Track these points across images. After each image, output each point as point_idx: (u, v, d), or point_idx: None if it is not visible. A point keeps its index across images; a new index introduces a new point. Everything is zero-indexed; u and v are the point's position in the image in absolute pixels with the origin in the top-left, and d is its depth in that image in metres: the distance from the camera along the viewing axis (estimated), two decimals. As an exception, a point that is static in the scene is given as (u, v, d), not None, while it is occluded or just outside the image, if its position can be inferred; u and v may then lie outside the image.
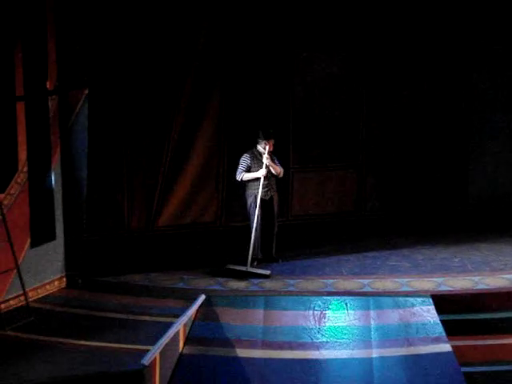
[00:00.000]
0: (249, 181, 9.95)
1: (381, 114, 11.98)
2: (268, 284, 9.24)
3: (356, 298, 8.65)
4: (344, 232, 10.80)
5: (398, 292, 8.85)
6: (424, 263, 9.97)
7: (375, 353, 7.49)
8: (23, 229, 8.68)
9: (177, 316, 7.95)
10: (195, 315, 8.26)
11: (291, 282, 9.31)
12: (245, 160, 9.96)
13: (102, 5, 9.89)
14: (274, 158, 10.10)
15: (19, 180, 8.66)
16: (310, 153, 11.36)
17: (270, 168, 9.90)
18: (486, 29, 11.98)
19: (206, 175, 11.15)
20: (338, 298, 8.68)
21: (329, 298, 8.68)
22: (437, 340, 7.67)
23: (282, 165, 10.28)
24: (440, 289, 8.93)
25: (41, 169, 8.90)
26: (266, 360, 7.47)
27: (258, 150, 10.00)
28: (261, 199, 9.86)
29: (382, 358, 7.38)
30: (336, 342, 7.77)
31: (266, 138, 9.93)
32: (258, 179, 9.89)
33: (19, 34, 8.55)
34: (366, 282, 9.24)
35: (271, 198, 10.07)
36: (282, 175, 10.09)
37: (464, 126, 12.18)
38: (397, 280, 9.26)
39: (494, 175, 12.34)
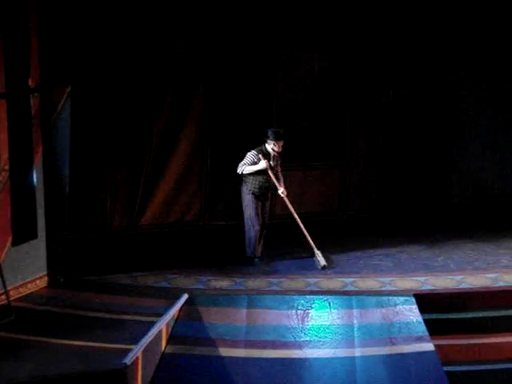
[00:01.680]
0: (249, 177, 9.90)
1: (365, 112, 12.01)
2: (251, 283, 9.23)
3: (339, 297, 8.66)
4: (327, 231, 10.80)
5: (381, 291, 8.86)
6: (407, 262, 10.00)
7: (358, 352, 7.50)
8: (4, 227, 8.62)
9: (159, 315, 7.94)
10: (178, 314, 8.24)
11: (274, 281, 9.30)
12: (251, 156, 9.89)
13: (84, 3, 9.85)
14: (279, 160, 10.10)
15: (0, 178, 8.59)
16: (294, 152, 11.34)
17: (273, 180, 9.92)
18: (470, 31, 12.04)
19: (188, 174, 11.13)
20: (321, 297, 8.68)
21: (312, 297, 8.68)
22: (419, 339, 7.69)
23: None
24: (423, 288, 8.95)
25: (23, 167, 8.85)
26: (248, 359, 7.47)
27: (266, 149, 9.97)
28: (258, 197, 9.88)
29: (364, 357, 7.39)
30: (319, 341, 7.77)
31: (276, 139, 9.90)
32: (257, 176, 9.87)
33: (1, 31, 8.48)
34: (349, 281, 9.25)
35: (266, 198, 10.08)
36: (282, 192, 10.02)
37: (448, 125, 12.23)
38: (380, 279, 9.27)
39: (476, 175, 12.40)
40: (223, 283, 9.25)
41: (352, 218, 11.44)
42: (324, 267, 9.69)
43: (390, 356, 7.44)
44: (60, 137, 9.24)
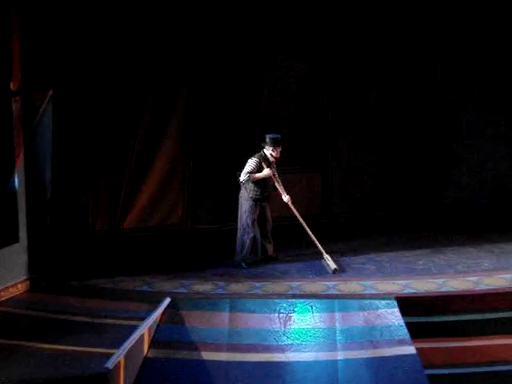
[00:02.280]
0: (250, 183, 9.89)
1: (348, 115, 12.05)
2: (233, 287, 9.23)
3: (321, 300, 8.66)
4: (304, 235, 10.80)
5: (363, 294, 8.87)
6: (389, 266, 10.02)
7: (340, 355, 7.51)
8: (-14, 231, 8.61)
9: (142, 319, 7.91)
10: (160, 318, 8.21)
11: (257, 284, 9.30)
12: (253, 163, 9.90)
13: (66, 6, 9.82)
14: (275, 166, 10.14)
15: (-18, 182, 8.57)
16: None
17: (277, 185, 9.96)
18: (454, 28, 12.12)
19: (171, 178, 11.12)
20: (304, 300, 8.67)
21: (294, 300, 8.67)
22: (401, 342, 7.70)
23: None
24: (404, 291, 8.97)
25: (4, 171, 8.81)
26: (231, 363, 7.46)
27: (265, 155, 9.98)
28: (258, 204, 9.93)
29: (346, 361, 7.40)
30: (301, 344, 7.78)
31: (275, 145, 9.90)
32: (259, 184, 9.88)
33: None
34: (331, 284, 9.26)
35: (266, 203, 10.11)
36: (287, 200, 10.06)
37: (430, 126, 12.31)
38: (362, 282, 9.29)
39: (459, 179, 12.48)
40: (206, 287, 9.24)
41: (334, 222, 11.47)
42: (335, 271, 9.70)
43: (371, 359, 7.45)
44: (42, 140, 9.22)
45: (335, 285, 9.23)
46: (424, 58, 12.17)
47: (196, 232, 11.38)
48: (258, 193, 9.91)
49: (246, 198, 9.96)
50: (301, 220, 10.01)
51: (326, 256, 9.94)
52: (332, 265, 9.78)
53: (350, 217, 11.93)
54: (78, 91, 10.30)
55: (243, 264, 10.03)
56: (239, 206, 10.07)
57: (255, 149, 11.25)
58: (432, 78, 12.29)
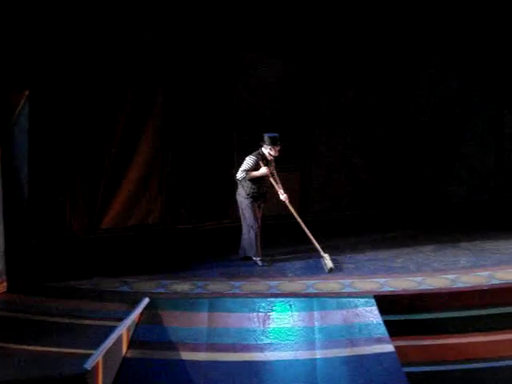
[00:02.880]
0: (247, 181, 9.86)
1: (325, 115, 12.09)
2: (212, 286, 9.21)
3: (300, 299, 8.67)
4: (288, 234, 10.81)
5: (342, 293, 8.89)
6: (367, 264, 10.05)
7: (319, 354, 7.52)
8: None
9: (120, 319, 7.87)
10: (139, 318, 8.19)
11: (236, 284, 9.29)
12: (250, 161, 9.86)
13: (41, 5, 9.77)
14: (274, 164, 10.11)
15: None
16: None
17: (274, 184, 9.94)
18: (430, 28, 12.21)
19: (149, 178, 11.11)
20: (282, 299, 8.68)
21: (273, 299, 8.68)
22: (379, 340, 7.72)
23: (226, 167, 10.30)
24: (383, 289, 9.00)
25: (-20, 171, 8.76)
26: (210, 363, 7.45)
27: (263, 154, 9.94)
28: (256, 202, 9.89)
29: (325, 359, 7.41)
30: (280, 343, 7.78)
31: (273, 144, 9.88)
32: (256, 182, 9.86)
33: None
34: (309, 283, 9.27)
35: (263, 201, 10.09)
36: (284, 198, 10.05)
37: (406, 126, 12.40)
38: (340, 281, 9.31)
39: (432, 177, 12.59)
40: (184, 287, 9.21)
41: (313, 221, 11.47)
42: (331, 270, 9.70)
43: (350, 357, 7.46)
44: (18, 141, 9.14)
45: (314, 284, 9.24)
46: (401, 58, 12.24)
47: (175, 232, 11.37)
48: (255, 190, 9.88)
49: (243, 195, 9.94)
50: (298, 219, 10.00)
51: (323, 255, 9.93)
52: (329, 263, 9.78)
53: (328, 215, 11.98)
54: (55, 91, 10.26)
55: (258, 260, 10.02)
56: (238, 204, 10.04)
57: (233, 147, 11.31)
58: (410, 82, 12.38)
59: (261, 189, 9.94)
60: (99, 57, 10.49)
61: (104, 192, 10.75)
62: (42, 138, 10.05)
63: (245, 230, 10.04)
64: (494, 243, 10.89)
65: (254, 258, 10.02)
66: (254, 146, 10.37)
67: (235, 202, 10.18)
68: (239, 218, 10.15)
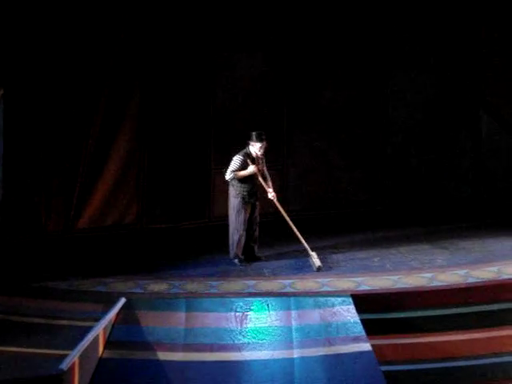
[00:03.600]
0: (237, 181, 9.81)
1: (302, 114, 12.11)
2: (189, 286, 9.18)
3: (277, 298, 8.67)
4: (265, 233, 10.80)
5: (319, 292, 8.90)
6: (344, 263, 10.06)
7: (296, 353, 7.52)
8: None
9: (96, 320, 7.83)
10: (115, 318, 8.14)
11: (213, 283, 9.27)
12: (238, 161, 9.79)
13: (17, 5, 9.71)
14: (264, 161, 10.06)
15: None
16: (232, 153, 11.33)
17: (261, 182, 9.89)
18: (406, 29, 12.27)
19: (125, 177, 11.07)
20: (260, 299, 8.68)
21: (250, 299, 8.67)
22: (357, 339, 7.74)
23: (203, 166, 10.26)
24: (360, 288, 9.02)
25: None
26: (186, 363, 7.43)
27: (250, 152, 9.88)
28: (247, 202, 9.83)
29: (302, 358, 7.41)
30: (257, 343, 7.77)
31: (259, 141, 9.82)
32: (246, 181, 9.81)
33: None
34: (287, 282, 9.27)
35: (255, 202, 10.01)
36: (272, 196, 10.00)
37: (380, 126, 12.48)
38: (318, 280, 9.32)
39: (410, 176, 12.65)
40: (161, 287, 9.17)
41: (291, 220, 11.51)
42: (319, 268, 9.69)
43: (327, 356, 7.47)
44: (-7, 140, 9.10)
45: (291, 283, 9.24)
46: (378, 57, 12.31)
47: (151, 231, 11.33)
48: (245, 190, 9.83)
49: (233, 195, 9.88)
50: (286, 217, 9.98)
51: (311, 253, 9.93)
52: (316, 262, 9.77)
53: (305, 215, 11.98)
54: (31, 90, 10.20)
55: (236, 261, 9.97)
56: (228, 203, 10.00)
57: (210, 146, 11.30)
58: (386, 82, 12.45)
59: (251, 188, 9.89)
60: (75, 56, 10.44)
61: (80, 192, 10.70)
62: (16, 138, 9.99)
63: (230, 230, 10.00)
64: (470, 242, 10.96)
65: (232, 259, 9.99)
66: (231, 146, 10.39)
67: (212, 201, 10.17)
68: (217, 218, 10.13)
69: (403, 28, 12.34)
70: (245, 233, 9.92)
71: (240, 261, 9.98)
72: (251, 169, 9.77)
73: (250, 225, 10.00)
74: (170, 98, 11.22)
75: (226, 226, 10.08)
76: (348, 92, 12.31)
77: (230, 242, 10.00)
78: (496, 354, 7.85)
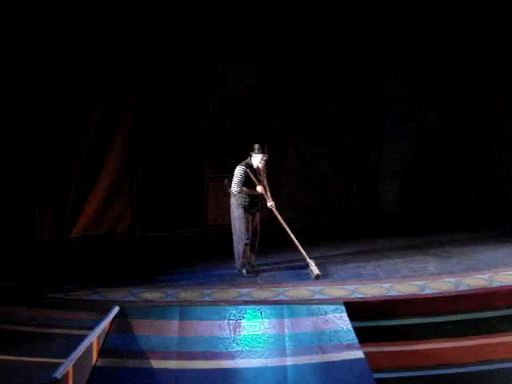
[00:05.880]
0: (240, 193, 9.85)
1: (294, 123, 12.16)
2: (183, 294, 9.20)
3: (270, 306, 8.70)
4: (259, 241, 10.84)
5: (312, 300, 8.93)
6: (337, 271, 10.09)
7: (289, 361, 7.55)
8: None
9: (90, 328, 7.85)
10: (109, 327, 8.16)
11: (206, 291, 9.29)
12: (241, 172, 9.78)
13: (11, 11, 9.75)
14: (265, 172, 10.09)
15: None
16: (225, 162, 11.40)
17: (265, 196, 9.92)
18: (399, 39, 12.35)
19: (119, 186, 11.09)
20: (253, 307, 8.70)
21: (243, 307, 8.69)
22: (349, 347, 7.77)
23: (195, 176, 10.28)
24: (352, 296, 9.04)
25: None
26: (180, 371, 7.45)
27: (251, 163, 9.89)
28: (248, 212, 9.85)
29: (295, 366, 7.44)
30: (250, 350, 7.80)
31: (261, 153, 9.85)
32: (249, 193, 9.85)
33: None
34: (280, 290, 9.30)
35: (257, 210, 10.03)
36: (271, 206, 10.00)
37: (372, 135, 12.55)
38: (310, 288, 9.35)
39: (402, 184, 12.69)
40: (155, 295, 9.19)
41: (282, 228, 11.53)
42: (317, 277, 9.72)
43: (320, 364, 7.49)
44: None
45: (285, 291, 9.28)
46: (370, 70, 12.38)
47: (145, 240, 11.35)
48: (247, 200, 9.86)
49: (235, 205, 9.90)
50: (285, 226, 10.01)
51: (309, 261, 9.96)
52: (315, 270, 9.80)
53: (297, 223, 11.99)
54: (24, 98, 10.22)
55: (243, 271, 9.99)
56: (231, 213, 10.03)
57: (203, 155, 11.34)
58: (377, 91, 12.51)
59: (253, 199, 9.92)
60: (69, 69, 10.46)
61: (74, 201, 10.71)
62: (11, 147, 10.00)
63: (234, 240, 10.02)
64: (462, 249, 11.02)
65: (239, 269, 10.02)
66: (224, 155, 10.44)
67: (205, 209, 10.18)
68: (210, 226, 10.15)
69: (395, 36, 12.38)
70: (249, 241, 9.95)
71: (247, 271, 10.01)
72: (258, 189, 9.80)
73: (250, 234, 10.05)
74: (162, 109, 11.26)
75: (220, 234, 10.13)
76: (340, 101, 12.37)
77: (235, 251, 10.02)
78: (487, 362, 7.88)
